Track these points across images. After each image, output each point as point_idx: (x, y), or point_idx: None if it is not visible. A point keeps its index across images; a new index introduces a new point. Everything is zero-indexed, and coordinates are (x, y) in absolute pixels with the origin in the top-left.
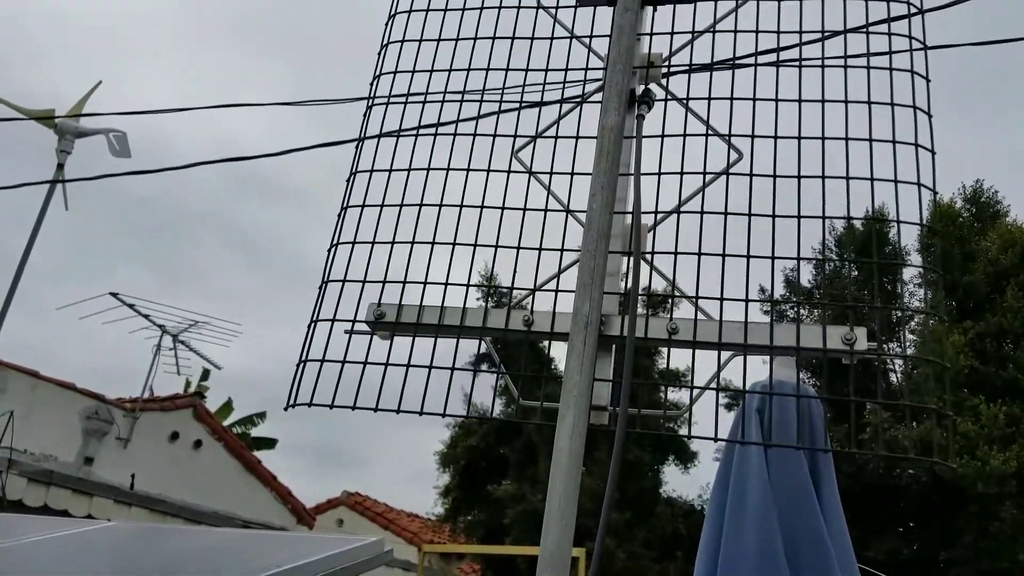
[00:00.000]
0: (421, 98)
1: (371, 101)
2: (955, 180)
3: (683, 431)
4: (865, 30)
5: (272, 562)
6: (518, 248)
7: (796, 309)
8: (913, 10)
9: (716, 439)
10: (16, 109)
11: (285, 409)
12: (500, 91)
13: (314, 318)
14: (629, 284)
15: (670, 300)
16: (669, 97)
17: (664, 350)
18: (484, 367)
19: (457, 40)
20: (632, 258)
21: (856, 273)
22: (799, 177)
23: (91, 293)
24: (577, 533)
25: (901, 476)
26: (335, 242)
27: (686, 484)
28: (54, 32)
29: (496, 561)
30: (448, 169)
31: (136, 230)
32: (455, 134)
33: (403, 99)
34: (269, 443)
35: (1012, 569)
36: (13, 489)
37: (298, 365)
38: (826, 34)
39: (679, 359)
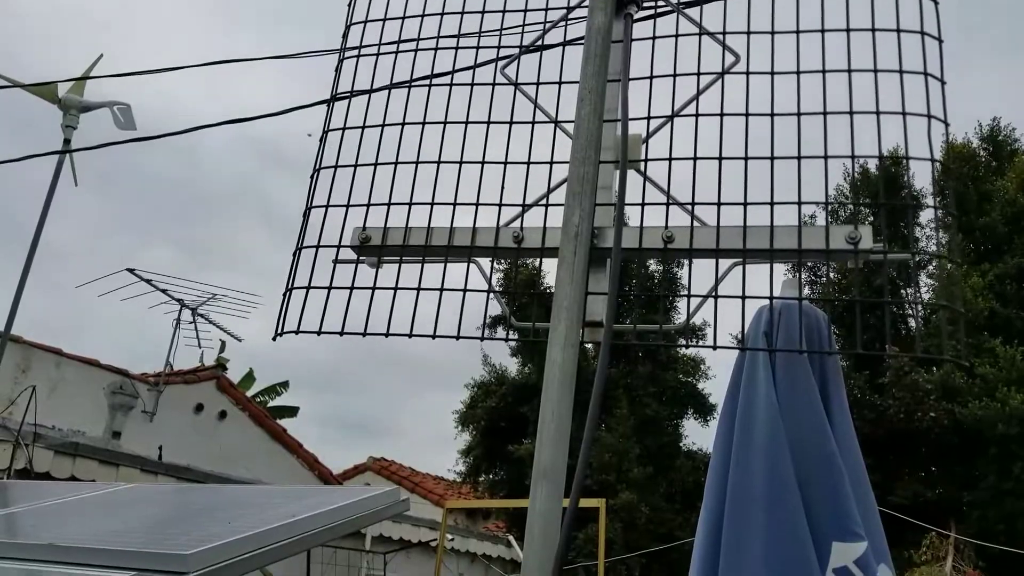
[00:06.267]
0: (401, 15)
1: (349, 19)
2: (974, 118)
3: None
4: None
5: (287, 512)
6: (505, 163)
7: (798, 210)
8: None
9: (716, 347)
10: (16, 84)
11: (273, 339)
12: (482, 4)
13: (299, 245)
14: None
15: (666, 209)
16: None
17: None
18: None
19: None
20: (620, 164)
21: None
22: (798, 73)
23: (122, 276)
24: (599, 488)
25: (922, 420)
26: (317, 167)
27: (706, 437)
28: (59, 12)
29: (521, 518)
30: (431, 83)
31: (162, 210)
32: (436, 48)
33: (382, 19)
34: (291, 411)
35: None
36: (40, 462)
37: (284, 294)
38: None
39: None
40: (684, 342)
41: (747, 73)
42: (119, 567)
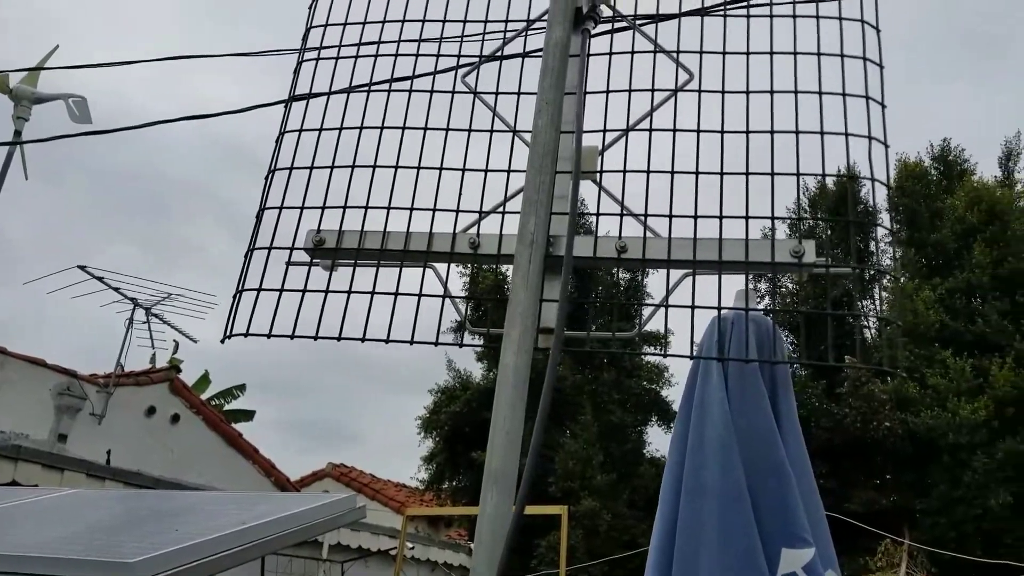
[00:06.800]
0: (362, 20)
1: (310, 22)
2: (926, 139)
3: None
4: None
5: (239, 519)
6: (463, 170)
7: (746, 224)
8: None
9: (665, 355)
10: None
11: (222, 341)
12: (443, 13)
13: (251, 247)
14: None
15: (620, 220)
16: (616, 16)
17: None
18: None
19: None
20: (573, 175)
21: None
22: (747, 93)
23: (73, 272)
24: (563, 494)
25: (877, 430)
26: (272, 168)
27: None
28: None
29: None
30: (390, 88)
31: (121, 207)
32: (396, 54)
33: (342, 23)
34: (247, 415)
35: (983, 515)
36: None
37: (234, 296)
38: None
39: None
40: (643, 349)
41: (699, 91)
42: None
